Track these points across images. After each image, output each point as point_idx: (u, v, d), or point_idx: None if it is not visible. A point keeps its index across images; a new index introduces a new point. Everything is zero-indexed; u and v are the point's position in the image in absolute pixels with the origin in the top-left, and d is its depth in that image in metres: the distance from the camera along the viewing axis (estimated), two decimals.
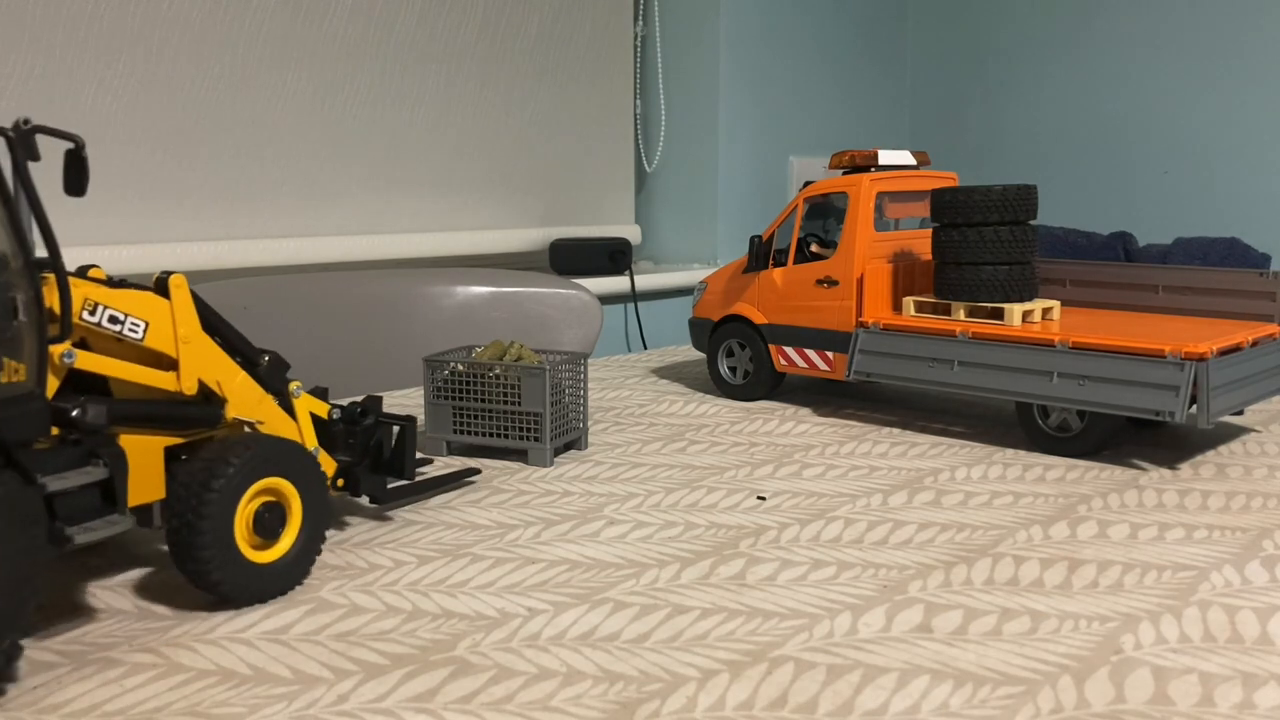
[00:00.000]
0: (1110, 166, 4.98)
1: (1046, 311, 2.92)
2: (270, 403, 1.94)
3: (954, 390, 2.82)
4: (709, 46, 4.74)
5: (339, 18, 3.80)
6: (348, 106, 3.86)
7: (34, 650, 1.58)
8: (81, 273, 1.72)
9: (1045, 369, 2.64)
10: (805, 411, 3.13)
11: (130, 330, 1.72)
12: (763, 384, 3.27)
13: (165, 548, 2.02)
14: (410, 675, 1.51)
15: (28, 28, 3.14)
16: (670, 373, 3.75)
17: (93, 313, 1.66)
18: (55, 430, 1.60)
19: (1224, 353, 2.54)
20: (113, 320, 1.69)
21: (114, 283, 1.74)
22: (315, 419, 2.07)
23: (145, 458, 1.74)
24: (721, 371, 3.36)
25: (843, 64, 5.27)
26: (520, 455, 2.63)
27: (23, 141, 1.55)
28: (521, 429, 2.58)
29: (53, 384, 1.60)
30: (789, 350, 3.18)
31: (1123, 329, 2.74)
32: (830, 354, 3.08)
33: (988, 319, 2.86)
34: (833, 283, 3.08)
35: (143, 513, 1.76)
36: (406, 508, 2.25)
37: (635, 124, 4.87)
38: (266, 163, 3.67)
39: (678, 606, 1.74)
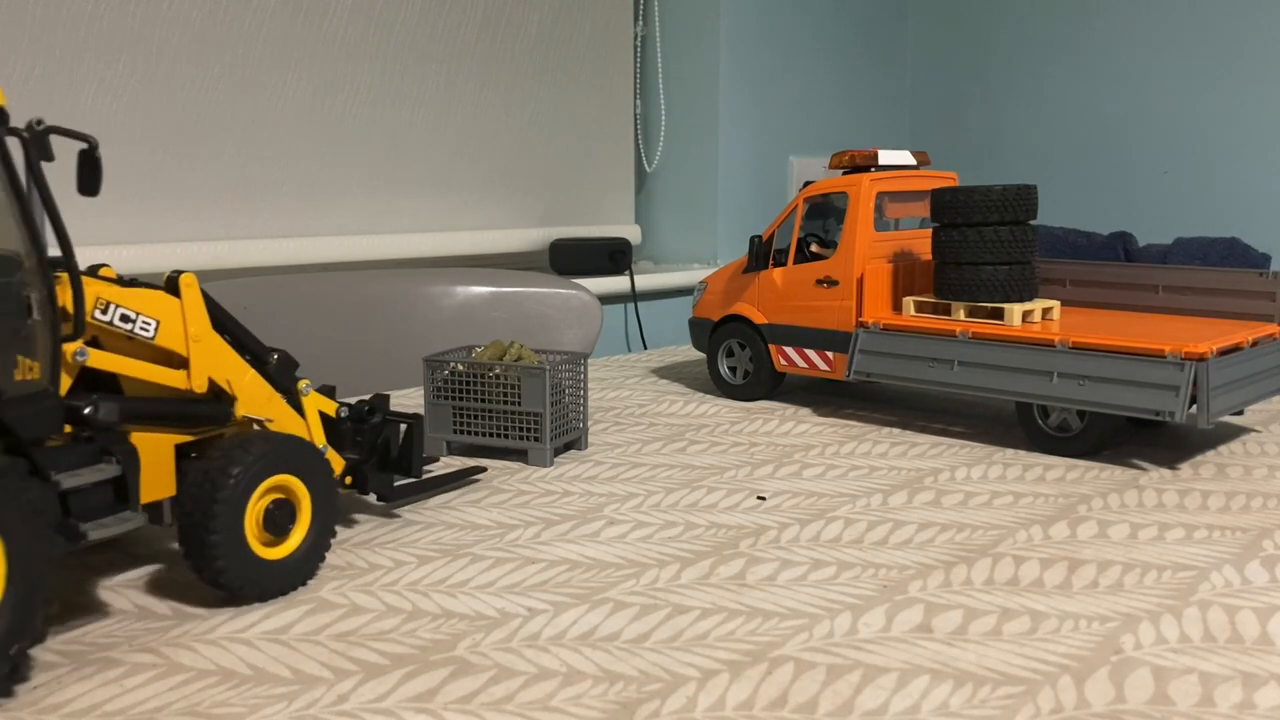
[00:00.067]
0: (1110, 166, 4.98)
1: (1046, 311, 2.92)
2: (279, 401, 1.96)
3: (954, 390, 2.82)
4: (709, 46, 4.73)
5: (339, 18, 3.80)
6: (348, 106, 3.86)
7: (34, 650, 1.58)
8: (92, 272, 1.74)
9: (1045, 369, 2.64)
10: (805, 411, 3.13)
11: (141, 329, 1.73)
12: (763, 384, 3.27)
13: (165, 547, 2.02)
14: (410, 675, 1.51)
15: (28, 28, 3.14)
16: (670, 373, 3.75)
17: (105, 311, 1.68)
18: (68, 428, 1.61)
19: (1224, 353, 2.54)
20: (124, 319, 1.71)
21: (125, 282, 1.75)
22: (323, 417, 2.08)
23: (156, 455, 1.75)
24: (721, 371, 3.36)
25: (843, 64, 5.27)
26: (520, 455, 2.63)
27: (37, 141, 1.57)
28: (521, 429, 2.58)
29: (65, 382, 1.62)
30: (789, 350, 3.18)
31: (1123, 329, 2.74)
32: (830, 354, 3.08)
33: (988, 319, 2.85)
34: (833, 283, 3.08)
35: (153, 510, 1.77)
36: (407, 507, 2.25)
37: (635, 124, 4.87)
38: (266, 163, 3.67)
39: (678, 606, 1.74)
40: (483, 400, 2.61)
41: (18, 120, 1.57)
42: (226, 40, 3.53)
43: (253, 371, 1.91)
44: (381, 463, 2.19)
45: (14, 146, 1.55)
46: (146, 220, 3.40)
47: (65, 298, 1.60)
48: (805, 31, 5.06)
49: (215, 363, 1.84)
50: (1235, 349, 2.60)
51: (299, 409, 2.00)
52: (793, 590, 1.81)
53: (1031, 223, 2.89)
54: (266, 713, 1.41)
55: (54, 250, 1.59)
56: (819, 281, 3.11)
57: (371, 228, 3.95)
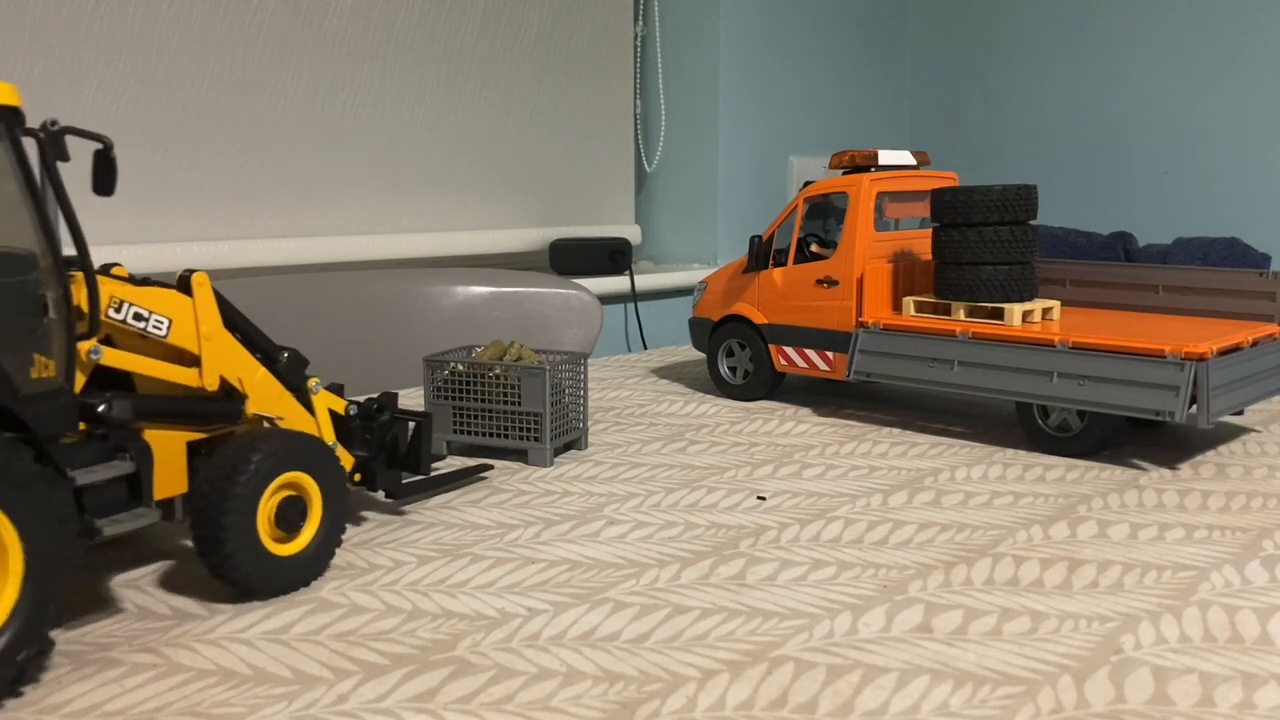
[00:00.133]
0: (1110, 166, 4.98)
1: (1046, 311, 2.92)
2: (290, 399, 1.98)
3: (954, 390, 2.82)
4: (709, 46, 4.73)
5: (339, 18, 3.80)
6: (348, 106, 3.86)
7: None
8: (105, 270, 1.75)
9: (1045, 369, 2.64)
10: (805, 411, 3.13)
11: (154, 327, 1.75)
12: (763, 384, 3.27)
13: (164, 546, 2.02)
14: (410, 675, 1.51)
15: (28, 28, 3.14)
16: (670, 373, 3.75)
17: (118, 310, 1.70)
18: (82, 425, 1.63)
19: (1224, 353, 2.54)
20: (137, 317, 1.73)
21: (138, 281, 1.77)
22: (332, 415, 2.10)
23: (168, 452, 1.77)
24: (721, 371, 3.36)
25: (843, 64, 5.27)
26: (520, 455, 2.63)
27: (52, 142, 1.58)
28: (521, 429, 2.58)
29: (79, 380, 1.63)
30: (789, 350, 3.19)
31: (1123, 329, 2.74)
32: (830, 354, 3.08)
33: (988, 319, 2.86)
34: (833, 283, 3.08)
35: (165, 507, 1.79)
36: (408, 507, 2.26)
37: (635, 124, 4.87)
38: (266, 163, 3.67)
39: (678, 606, 1.74)
40: (483, 400, 2.61)
41: (30, 121, 1.58)
42: (226, 40, 3.53)
43: (263, 370, 1.93)
44: (390, 460, 2.20)
45: (29, 147, 1.57)
46: (146, 220, 3.40)
47: (80, 296, 1.62)
48: (805, 31, 5.06)
49: (227, 361, 1.86)
50: (1235, 349, 2.60)
51: (309, 407, 2.02)
52: (793, 590, 1.81)
53: (1031, 223, 2.89)
54: (266, 713, 1.41)
55: (69, 249, 1.61)
56: (819, 281, 3.11)
57: (371, 228, 3.95)
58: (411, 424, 2.24)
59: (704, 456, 2.65)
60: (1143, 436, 2.83)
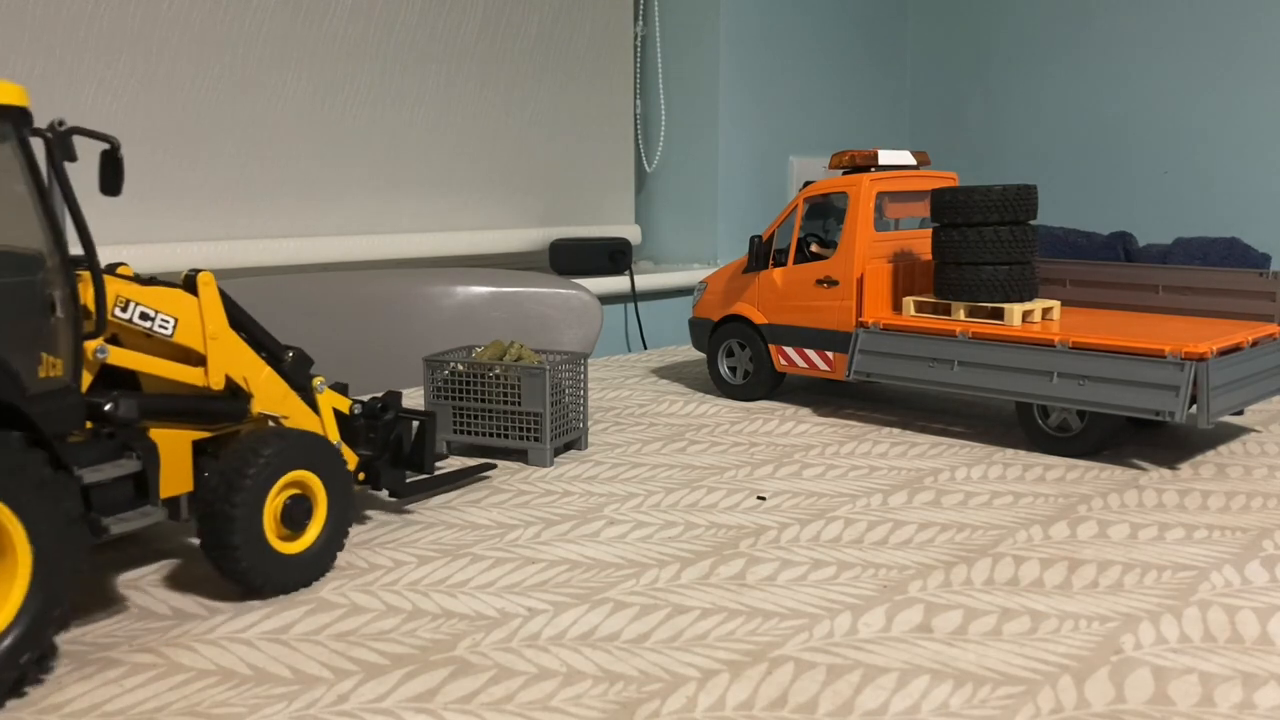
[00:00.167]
0: (1110, 166, 4.98)
1: (1046, 311, 2.92)
2: (294, 398, 1.99)
3: (954, 390, 2.82)
4: (709, 46, 4.73)
5: (339, 18, 3.80)
6: (348, 106, 3.86)
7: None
8: (110, 270, 1.76)
9: (1045, 369, 2.64)
10: (805, 411, 3.13)
11: (160, 326, 1.76)
12: (763, 384, 3.27)
13: (164, 546, 2.02)
14: (410, 675, 1.51)
15: (28, 28, 3.14)
16: (670, 373, 3.75)
17: (124, 309, 1.71)
18: (88, 424, 1.64)
19: (1224, 353, 2.54)
20: (143, 317, 1.74)
21: (144, 280, 1.78)
22: (337, 414, 2.11)
23: (174, 451, 1.78)
24: (721, 371, 3.36)
25: (843, 64, 5.27)
26: (520, 455, 2.63)
27: (60, 142, 1.59)
28: (521, 429, 2.58)
29: (86, 379, 1.64)
30: (789, 350, 3.18)
31: (1123, 329, 2.74)
32: (830, 354, 3.08)
33: (988, 319, 2.86)
34: (833, 283, 3.08)
35: (170, 505, 1.79)
36: (408, 507, 2.26)
37: (635, 124, 4.87)
38: (266, 163, 3.67)
39: (678, 606, 1.74)
40: (483, 400, 2.61)
41: (36, 122, 1.59)
42: (226, 40, 3.53)
43: (269, 369, 1.94)
44: (394, 459, 2.21)
45: (37, 147, 1.57)
46: (146, 220, 3.40)
47: (87, 296, 1.63)
48: (805, 31, 5.06)
49: (232, 360, 1.87)
50: (1235, 349, 2.60)
51: (314, 406, 2.03)
52: (793, 590, 1.81)
53: (1031, 223, 2.89)
54: (266, 713, 1.41)
55: (75, 249, 1.62)
56: (819, 281, 3.11)
57: (371, 228, 3.95)
58: (415, 423, 2.25)
59: (704, 456, 2.65)
60: (1143, 436, 2.83)
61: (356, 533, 2.10)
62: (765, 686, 1.48)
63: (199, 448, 1.84)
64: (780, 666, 1.53)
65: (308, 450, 1.82)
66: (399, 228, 4.03)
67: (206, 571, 1.88)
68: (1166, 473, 2.51)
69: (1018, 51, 5.24)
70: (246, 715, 1.40)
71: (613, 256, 4.33)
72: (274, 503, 1.77)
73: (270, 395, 1.93)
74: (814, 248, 3.26)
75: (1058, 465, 2.57)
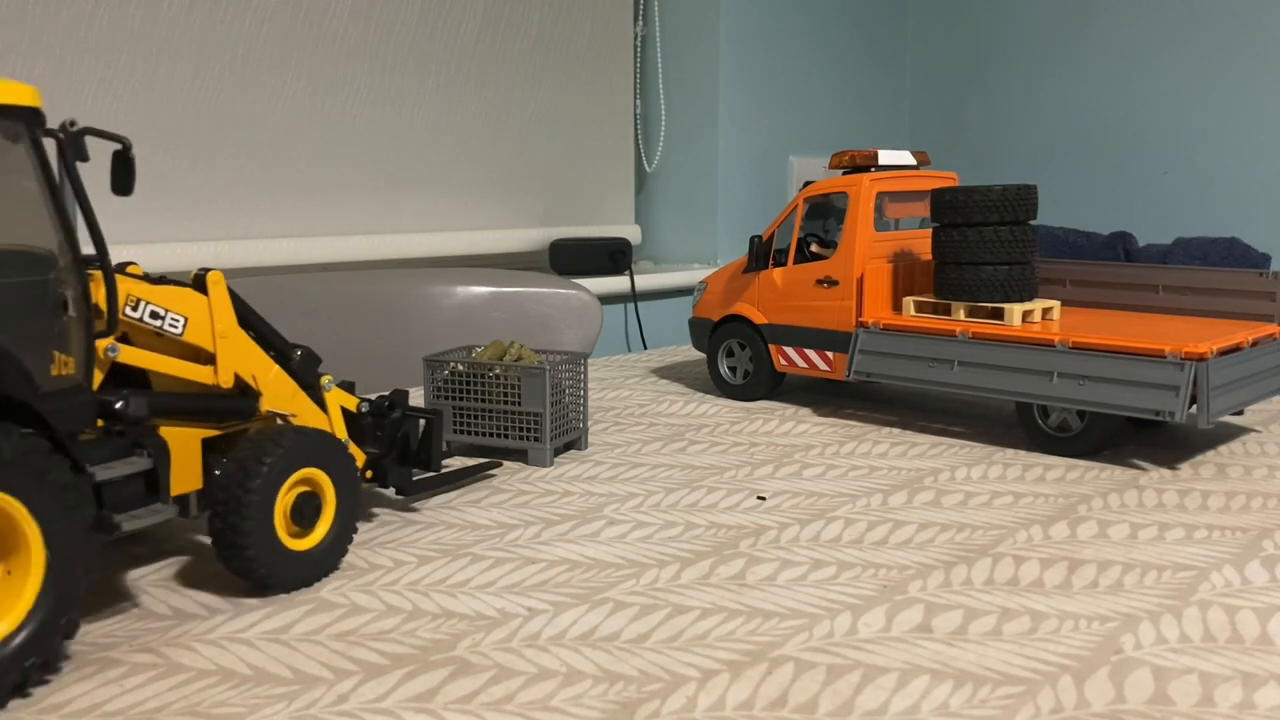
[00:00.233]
0: (1110, 166, 4.98)
1: (1046, 311, 2.92)
2: (303, 396, 2.00)
3: (954, 390, 2.82)
4: (709, 46, 4.73)
5: (339, 18, 3.80)
6: (348, 107, 3.86)
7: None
8: (121, 269, 1.77)
9: (1045, 369, 2.64)
10: (805, 411, 3.13)
11: (170, 325, 1.78)
12: (763, 384, 3.27)
13: (164, 546, 2.02)
14: (410, 675, 1.51)
15: (28, 28, 3.14)
16: (670, 373, 3.75)
17: (135, 308, 1.72)
18: (99, 422, 1.65)
19: (1224, 353, 2.54)
20: (154, 316, 1.75)
21: (154, 279, 1.79)
22: (344, 412, 2.12)
23: (184, 449, 1.79)
24: (721, 371, 3.36)
25: (843, 64, 5.27)
26: (520, 455, 2.63)
27: (72, 142, 1.60)
28: (521, 429, 2.58)
29: (97, 377, 1.65)
30: (789, 350, 3.18)
31: (1123, 329, 2.74)
32: (830, 354, 3.08)
33: (988, 319, 2.85)
34: (833, 283, 3.08)
35: (180, 503, 1.80)
36: (407, 507, 2.26)
37: (635, 124, 4.87)
38: (266, 163, 3.67)
39: (678, 606, 1.74)
40: (483, 400, 2.61)
41: (50, 122, 1.60)
42: (226, 40, 3.53)
43: (277, 367, 1.95)
44: (401, 457, 2.22)
45: (49, 147, 1.58)
46: (146, 220, 3.40)
47: (99, 295, 1.64)
48: (805, 31, 5.06)
49: (241, 359, 1.88)
50: (1235, 349, 2.60)
51: (321, 404, 2.04)
52: (793, 590, 1.81)
53: (1031, 223, 2.89)
54: (266, 713, 1.41)
55: (87, 248, 1.62)
56: (819, 281, 3.11)
57: (371, 228, 3.95)
58: (422, 421, 2.26)
59: (704, 456, 2.65)
60: (1143, 436, 2.83)
61: (357, 532, 2.10)
62: (765, 686, 1.48)
63: (208, 445, 1.85)
64: (780, 666, 1.53)
65: (318, 448, 1.84)
66: (399, 228, 4.03)
67: (208, 571, 1.88)
68: (1166, 473, 2.51)
69: (1018, 51, 5.24)
70: (246, 715, 1.40)
71: (613, 256, 4.33)
72: (285, 499, 1.78)
73: (279, 393, 1.95)
74: (814, 248, 3.26)
75: (1058, 465, 2.57)
